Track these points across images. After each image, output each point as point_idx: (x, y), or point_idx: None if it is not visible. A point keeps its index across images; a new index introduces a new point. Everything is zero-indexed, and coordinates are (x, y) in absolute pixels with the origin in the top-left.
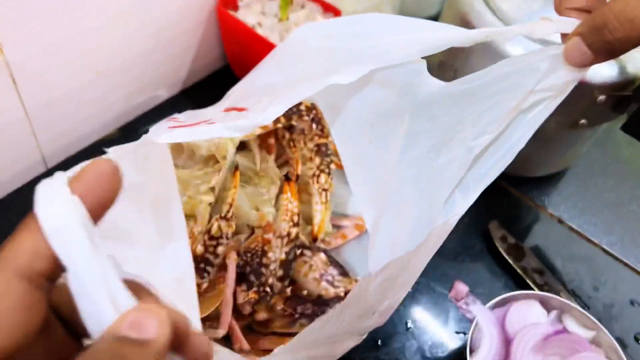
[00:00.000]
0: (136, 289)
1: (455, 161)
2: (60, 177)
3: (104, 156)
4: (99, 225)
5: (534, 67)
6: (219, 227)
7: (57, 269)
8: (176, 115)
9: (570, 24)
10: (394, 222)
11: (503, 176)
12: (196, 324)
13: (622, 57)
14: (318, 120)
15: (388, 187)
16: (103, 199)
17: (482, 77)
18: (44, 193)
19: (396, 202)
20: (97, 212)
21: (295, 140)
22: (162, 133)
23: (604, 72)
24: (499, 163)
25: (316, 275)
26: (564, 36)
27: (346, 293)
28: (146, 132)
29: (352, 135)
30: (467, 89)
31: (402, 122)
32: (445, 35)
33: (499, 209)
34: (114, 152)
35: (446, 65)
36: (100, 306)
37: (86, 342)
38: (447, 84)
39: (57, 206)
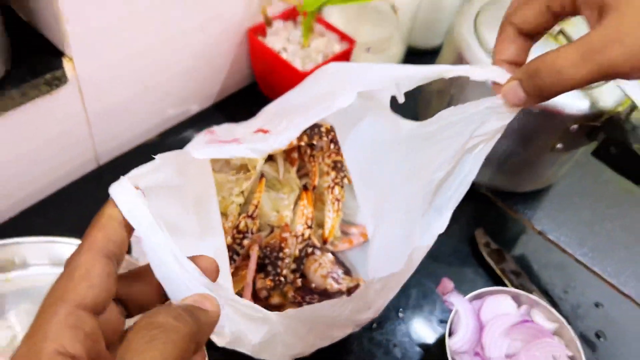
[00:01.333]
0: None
1: (423, 189)
2: (125, 179)
3: (153, 161)
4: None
5: (472, 119)
6: (246, 224)
7: (122, 253)
8: (214, 128)
9: (500, 73)
10: (387, 234)
11: (492, 190)
12: (230, 292)
13: (594, 93)
14: (335, 140)
15: (384, 204)
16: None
17: (437, 122)
18: (117, 188)
19: (388, 218)
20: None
21: (315, 156)
22: (200, 148)
23: (576, 104)
24: (458, 191)
25: (324, 272)
26: (496, 85)
27: (348, 289)
28: (181, 138)
29: (358, 155)
30: (428, 131)
31: (391, 151)
32: (409, 73)
33: (486, 219)
34: (159, 158)
35: (444, 92)
36: (170, 264)
37: (129, 322)
38: (417, 125)
39: (128, 195)
